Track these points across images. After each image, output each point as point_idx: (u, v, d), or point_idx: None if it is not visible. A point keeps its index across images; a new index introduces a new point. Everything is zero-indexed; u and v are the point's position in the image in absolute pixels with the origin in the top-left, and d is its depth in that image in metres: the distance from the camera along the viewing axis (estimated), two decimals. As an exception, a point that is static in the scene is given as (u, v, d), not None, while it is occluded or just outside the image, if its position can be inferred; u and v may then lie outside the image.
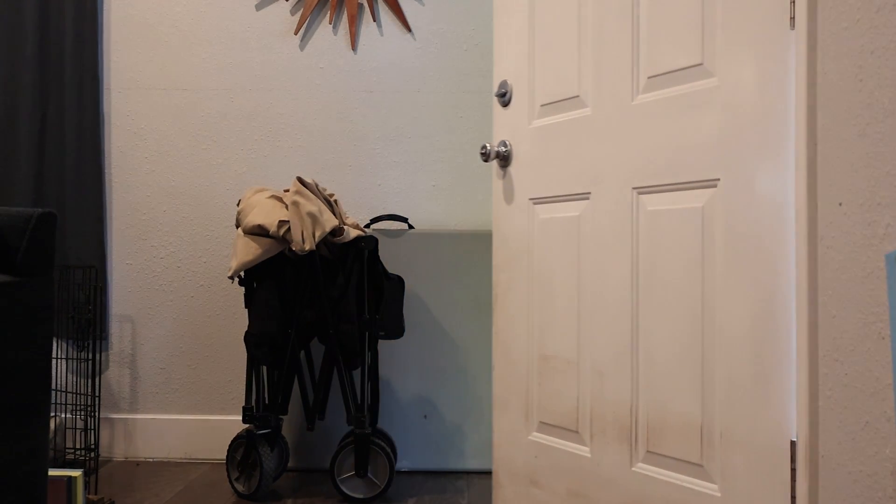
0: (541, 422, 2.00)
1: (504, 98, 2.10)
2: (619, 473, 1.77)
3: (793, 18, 1.40)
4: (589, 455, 1.85)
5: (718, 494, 1.54)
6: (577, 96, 1.89)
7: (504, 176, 2.11)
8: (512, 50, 2.09)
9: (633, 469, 1.74)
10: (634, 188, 1.74)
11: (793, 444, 1.41)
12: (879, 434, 1.14)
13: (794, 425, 1.42)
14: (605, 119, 1.81)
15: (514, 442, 2.08)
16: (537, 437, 2.01)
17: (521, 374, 2.06)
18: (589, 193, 1.86)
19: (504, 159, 2.09)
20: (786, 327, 1.44)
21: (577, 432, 1.89)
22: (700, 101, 1.58)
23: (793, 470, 1.41)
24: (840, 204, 1.25)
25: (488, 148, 2.07)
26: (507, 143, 2.09)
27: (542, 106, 2.00)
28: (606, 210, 1.81)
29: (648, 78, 1.71)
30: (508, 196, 2.10)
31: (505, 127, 2.11)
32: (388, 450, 2.35)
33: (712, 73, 1.56)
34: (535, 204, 2.02)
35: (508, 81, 2.09)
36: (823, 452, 1.31)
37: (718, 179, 1.55)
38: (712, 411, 1.57)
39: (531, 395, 2.04)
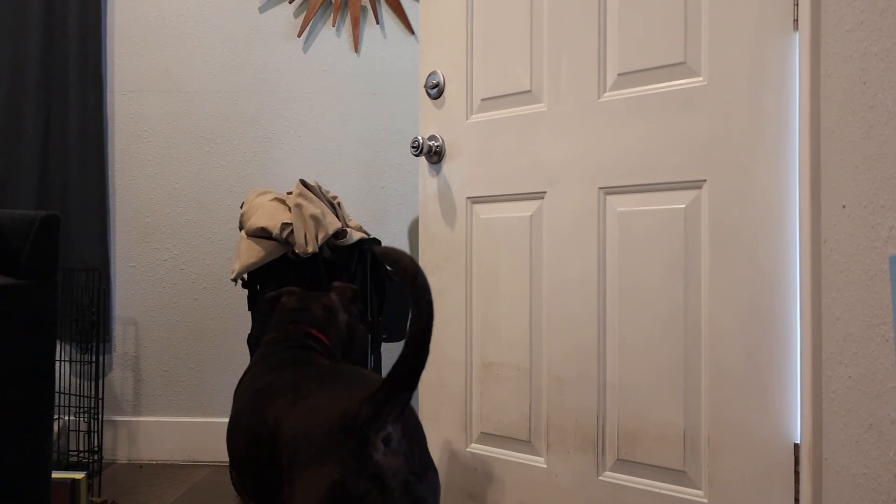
0: (482, 432, 1.90)
1: (435, 90, 1.96)
2: (582, 484, 1.71)
3: (796, 20, 1.40)
4: (544, 466, 1.78)
5: (705, 500, 1.53)
6: (530, 91, 1.81)
7: (437, 173, 1.99)
8: (445, 39, 1.97)
9: (601, 478, 1.69)
10: (601, 188, 1.69)
11: (796, 446, 1.41)
12: (883, 437, 1.14)
13: (796, 428, 1.41)
14: (565, 116, 1.75)
15: (449, 455, 1.96)
16: (478, 448, 1.91)
17: (457, 383, 1.95)
18: (544, 193, 1.78)
19: (437, 155, 1.96)
20: (783, 330, 1.43)
21: (529, 442, 1.82)
22: (684, 101, 1.55)
23: (796, 473, 1.40)
24: (843, 206, 1.25)
25: (420, 141, 1.94)
26: (439, 137, 1.96)
27: (483, 100, 1.90)
28: (566, 210, 1.75)
29: (619, 75, 1.66)
30: (443, 194, 1.97)
31: (436, 121, 1.98)
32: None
33: (697, 72, 1.54)
34: (474, 203, 1.92)
35: (440, 72, 1.96)
36: (827, 455, 1.31)
37: (705, 180, 1.53)
38: (697, 416, 1.55)
39: (470, 404, 1.93)
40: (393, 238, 2.81)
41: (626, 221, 1.65)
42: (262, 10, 2.85)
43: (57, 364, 2.49)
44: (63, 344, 2.73)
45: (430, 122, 2.00)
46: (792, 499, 1.41)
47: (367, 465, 1.06)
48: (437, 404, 2.00)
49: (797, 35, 1.40)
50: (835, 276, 1.27)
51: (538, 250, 1.81)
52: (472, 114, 1.93)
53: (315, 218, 2.21)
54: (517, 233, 1.84)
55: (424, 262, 2.03)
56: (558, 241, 1.77)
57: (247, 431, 1.29)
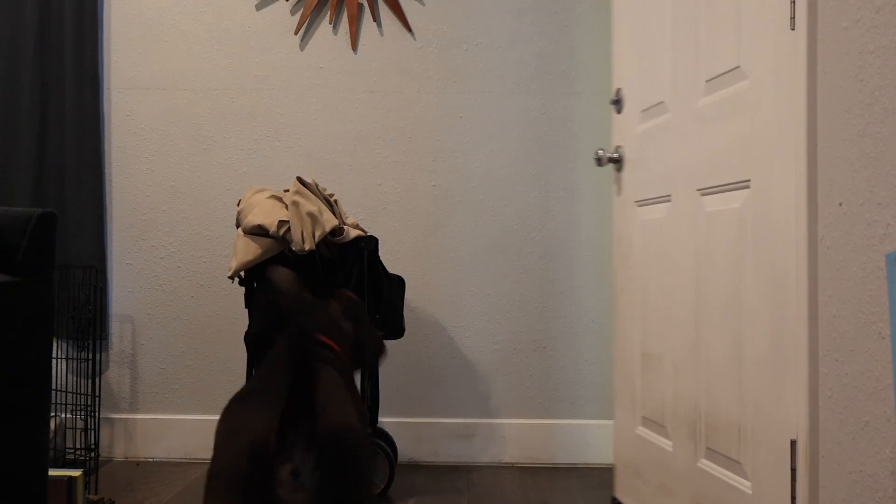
0: (643, 416, 2.05)
1: (618, 105, 2.19)
2: (688, 468, 1.80)
3: (793, 19, 1.40)
4: (671, 449, 1.89)
5: (750, 492, 1.54)
6: (663, 102, 1.93)
7: (618, 180, 2.19)
8: (624, 58, 2.16)
9: (698, 465, 1.76)
10: (698, 189, 1.76)
11: (793, 443, 1.41)
12: (879, 434, 1.14)
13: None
14: (679, 123, 1.84)
15: (626, 436, 2.16)
16: (640, 431, 2.07)
17: (630, 371, 2.13)
18: (669, 196, 1.89)
19: (617, 163, 2.18)
20: (794, 326, 1.44)
21: (664, 426, 1.93)
22: (737, 103, 1.60)
23: (793, 469, 1.40)
24: (840, 204, 1.25)
25: (600, 154, 2.18)
26: (619, 148, 2.17)
27: (641, 111, 2.05)
28: (680, 212, 1.85)
29: (706, 81, 1.72)
30: (622, 199, 2.18)
31: (618, 132, 2.21)
32: (389, 449, 2.35)
33: (746, 76, 1.57)
34: (638, 206, 2.07)
35: (622, 89, 2.16)
36: (823, 452, 1.31)
37: (749, 180, 1.56)
38: (745, 408, 1.57)
39: (636, 391, 2.09)
40: (389, 235, 2.82)
41: (711, 222, 1.72)
42: (258, 7, 2.84)
43: (54, 362, 2.48)
44: (60, 341, 2.72)
45: (616, 134, 2.23)
46: (788, 495, 1.41)
47: (269, 501, 0.98)
48: (623, 390, 2.19)
49: (794, 34, 1.40)
50: (832, 274, 1.28)
51: (667, 250, 1.93)
52: (637, 124, 2.09)
53: (312, 215, 2.21)
54: (657, 233, 1.98)
55: (615, 262, 2.24)
56: (675, 242, 1.88)
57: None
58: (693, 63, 1.78)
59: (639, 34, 2.07)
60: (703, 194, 1.73)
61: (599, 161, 2.18)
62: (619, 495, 2.19)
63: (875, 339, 1.15)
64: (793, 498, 1.40)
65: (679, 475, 1.83)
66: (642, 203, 2.05)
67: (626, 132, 2.14)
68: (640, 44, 2.07)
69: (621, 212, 2.19)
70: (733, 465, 1.62)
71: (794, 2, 1.39)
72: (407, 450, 2.78)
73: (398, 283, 2.45)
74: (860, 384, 1.19)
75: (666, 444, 1.91)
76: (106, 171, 2.86)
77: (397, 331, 2.42)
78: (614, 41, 2.24)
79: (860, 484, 1.19)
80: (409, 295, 2.81)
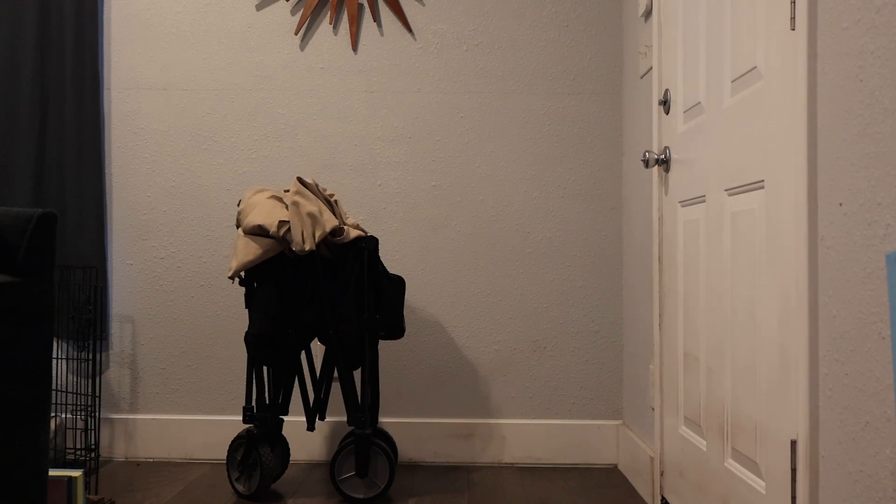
0: (685, 416, 2.06)
1: (665, 106, 2.19)
2: (718, 467, 1.81)
3: (793, 19, 1.40)
4: (705, 449, 1.90)
5: (764, 492, 1.55)
6: (700, 103, 1.93)
7: (666, 180, 2.21)
8: (669, 60, 2.18)
9: (726, 464, 1.77)
10: (726, 190, 1.76)
11: (793, 443, 1.41)
12: (880, 434, 1.14)
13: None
14: (712, 123, 1.85)
15: (671, 435, 2.18)
16: (683, 430, 2.08)
17: (674, 371, 2.15)
18: (704, 196, 1.90)
19: (664, 164, 2.19)
20: (795, 326, 1.44)
21: (700, 426, 1.94)
22: (754, 104, 1.60)
23: (793, 470, 1.40)
24: (840, 204, 1.25)
25: (647, 156, 2.18)
26: (667, 149, 2.18)
27: (683, 112, 2.06)
28: (712, 212, 1.85)
29: (731, 82, 1.73)
30: (669, 199, 2.20)
31: (665, 133, 2.22)
32: (389, 449, 2.35)
33: (762, 76, 1.57)
34: (681, 206, 2.08)
35: (669, 90, 2.16)
36: (824, 453, 1.31)
37: (763, 181, 1.56)
38: (759, 408, 1.58)
39: (679, 390, 2.10)
40: (390, 236, 2.82)
41: (735, 222, 1.73)
42: (258, 7, 2.84)
43: (54, 362, 2.48)
44: (60, 342, 2.73)
45: (663, 135, 2.24)
46: (789, 496, 1.41)
47: None
48: (668, 390, 2.20)
49: (794, 34, 1.40)
50: (831, 274, 1.28)
51: (701, 250, 1.94)
52: (680, 125, 2.09)
53: (312, 216, 2.21)
54: (695, 232, 2.00)
55: (663, 262, 2.26)
56: (709, 241, 1.88)
57: None
58: (722, 63, 1.78)
59: (682, 33, 2.08)
60: (731, 195, 1.74)
61: (646, 163, 2.18)
62: (666, 494, 2.20)
63: (875, 339, 1.15)
64: (793, 498, 1.40)
65: (711, 474, 1.85)
66: (685, 203, 2.07)
67: (673, 132, 2.16)
68: (683, 44, 2.08)
69: (667, 212, 2.21)
70: (752, 465, 1.62)
71: (794, 2, 1.39)
72: (407, 450, 2.78)
73: (398, 284, 2.45)
74: (860, 384, 1.19)
75: (702, 443, 1.93)
76: (106, 171, 2.86)
77: (398, 331, 2.42)
78: (664, 42, 2.23)
79: (860, 484, 1.19)
80: (410, 295, 2.81)
